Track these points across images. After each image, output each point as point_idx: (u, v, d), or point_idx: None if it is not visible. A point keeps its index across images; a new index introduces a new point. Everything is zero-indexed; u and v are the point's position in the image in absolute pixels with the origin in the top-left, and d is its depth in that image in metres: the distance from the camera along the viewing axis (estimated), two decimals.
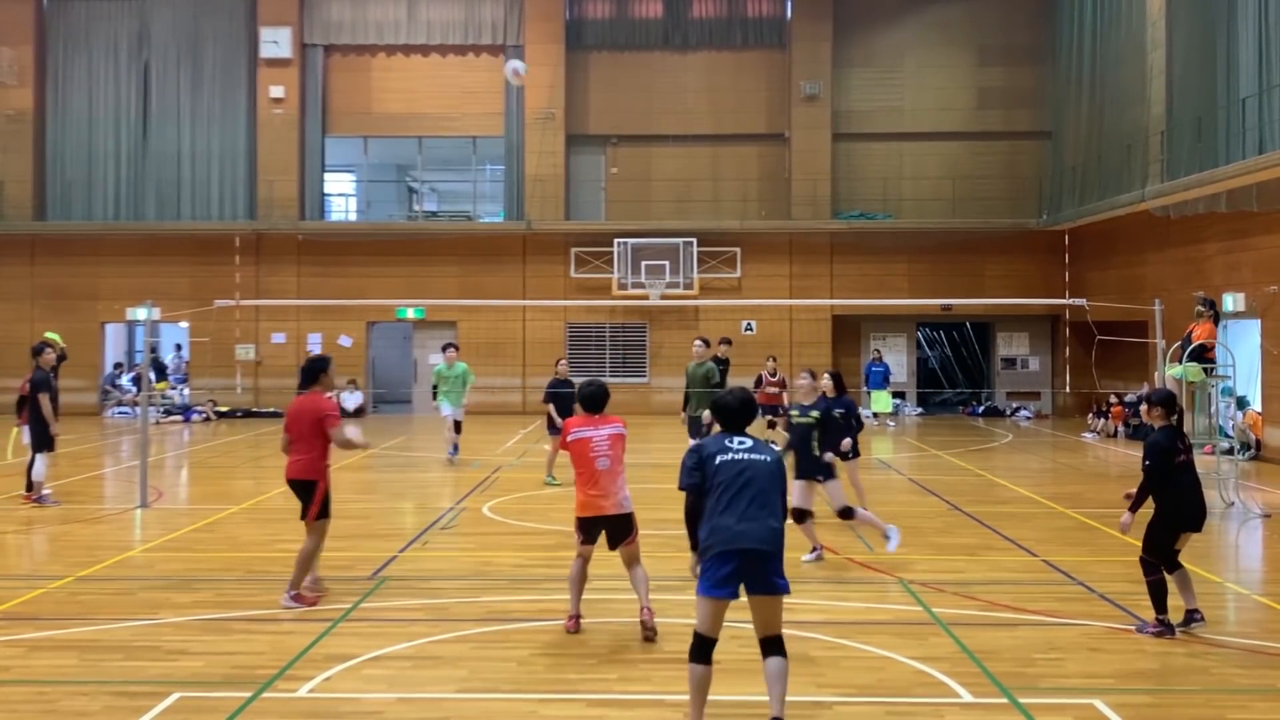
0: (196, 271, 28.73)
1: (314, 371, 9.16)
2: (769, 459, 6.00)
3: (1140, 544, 8.17)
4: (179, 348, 30.75)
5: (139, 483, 13.90)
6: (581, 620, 8.11)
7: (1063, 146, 27.84)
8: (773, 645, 5.87)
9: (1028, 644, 7.75)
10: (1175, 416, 8.19)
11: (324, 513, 8.99)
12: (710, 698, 6.61)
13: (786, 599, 5.92)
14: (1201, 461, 16.72)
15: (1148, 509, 8.12)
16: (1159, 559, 7.98)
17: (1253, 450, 18.68)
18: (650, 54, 30.02)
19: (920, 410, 29.58)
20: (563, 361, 17.10)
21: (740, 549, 5.74)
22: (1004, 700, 6.60)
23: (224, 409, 27.92)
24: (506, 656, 7.42)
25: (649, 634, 7.87)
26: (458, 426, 17.84)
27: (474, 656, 7.44)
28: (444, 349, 17.97)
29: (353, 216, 33.01)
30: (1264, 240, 19.15)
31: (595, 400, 8.27)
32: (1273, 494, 14.89)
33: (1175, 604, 8.04)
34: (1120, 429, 23.02)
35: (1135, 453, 20.09)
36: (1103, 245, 25.89)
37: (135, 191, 29.62)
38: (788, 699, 6.02)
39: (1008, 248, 28.66)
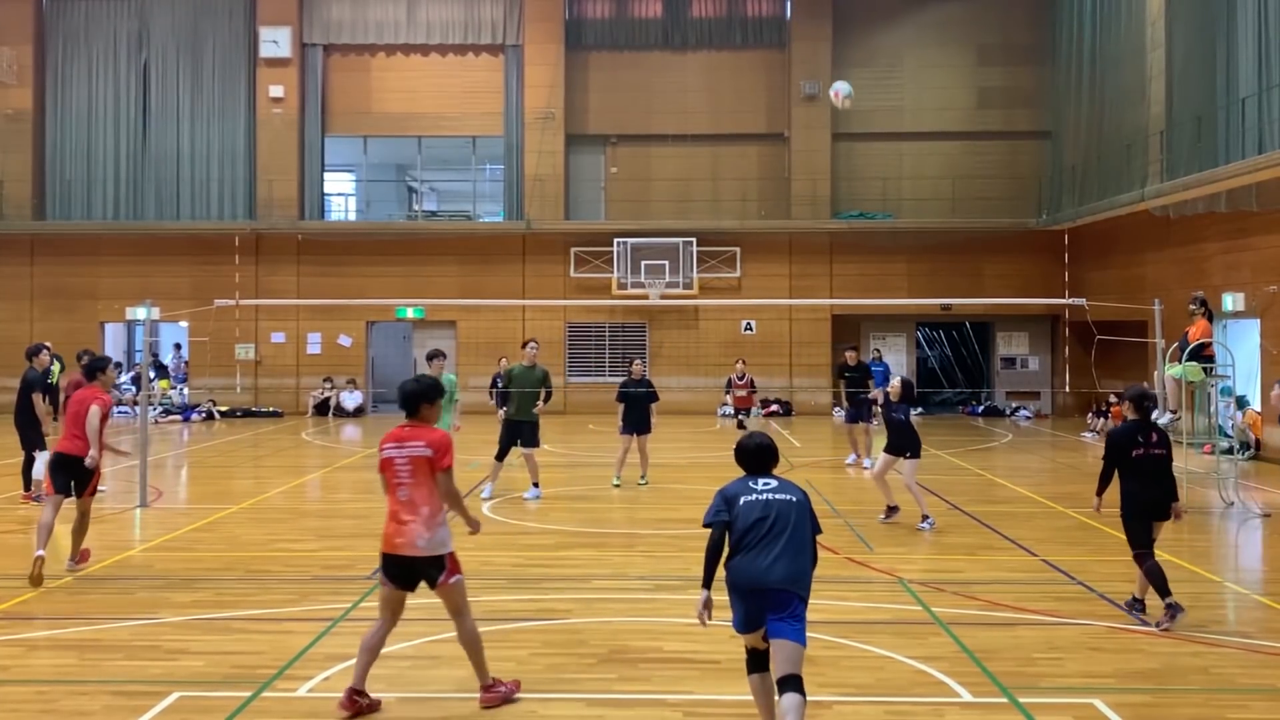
0: (196, 271, 28.73)
1: (92, 370, 10.44)
2: (795, 499, 5.78)
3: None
4: (178, 347, 30.75)
5: (139, 482, 13.89)
6: (363, 701, 6.31)
7: (1062, 146, 27.84)
8: (791, 683, 5.48)
9: (1028, 644, 7.75)
10: (1145, 413, 8.56)
11: (92, 490, 10.30)
12: (710, 697, 6.62)
13: None
14: (1201, 461, 16.77)
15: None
16: (1139, 545, 8.35)
17: (1252, 450, 18.68)
18: (650, 54, 30.02)
19: (920, 410, 29.54)
20: (637, 362, 16.52)
21: (763, 588, 5.56)
22: (1004, 700, 6.60)
23: (224, 409, 27.92)
24: (506, 656, 7.42)
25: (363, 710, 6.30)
26: None
27: None
28: (430, 358, 14.56)
29: (352, 216, 33.02)
30: (1263, 240, 19.15)
31: (406, 400, 6.61)
32: (1273, 494, 14.89)
33: (1161, 599, 8.03)
34: None
35: None
36: (1102, 245, 25.89)
37: (135, 191, 29.62)
38: None
39: (1007, 247, 28.66)
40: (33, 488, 13.84)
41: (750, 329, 29.08)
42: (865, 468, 16.90)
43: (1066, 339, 27.75)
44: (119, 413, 28.20)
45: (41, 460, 13.82)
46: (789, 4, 29.81)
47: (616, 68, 29.99)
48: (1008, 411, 28.88)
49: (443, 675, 7.09)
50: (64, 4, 29.85)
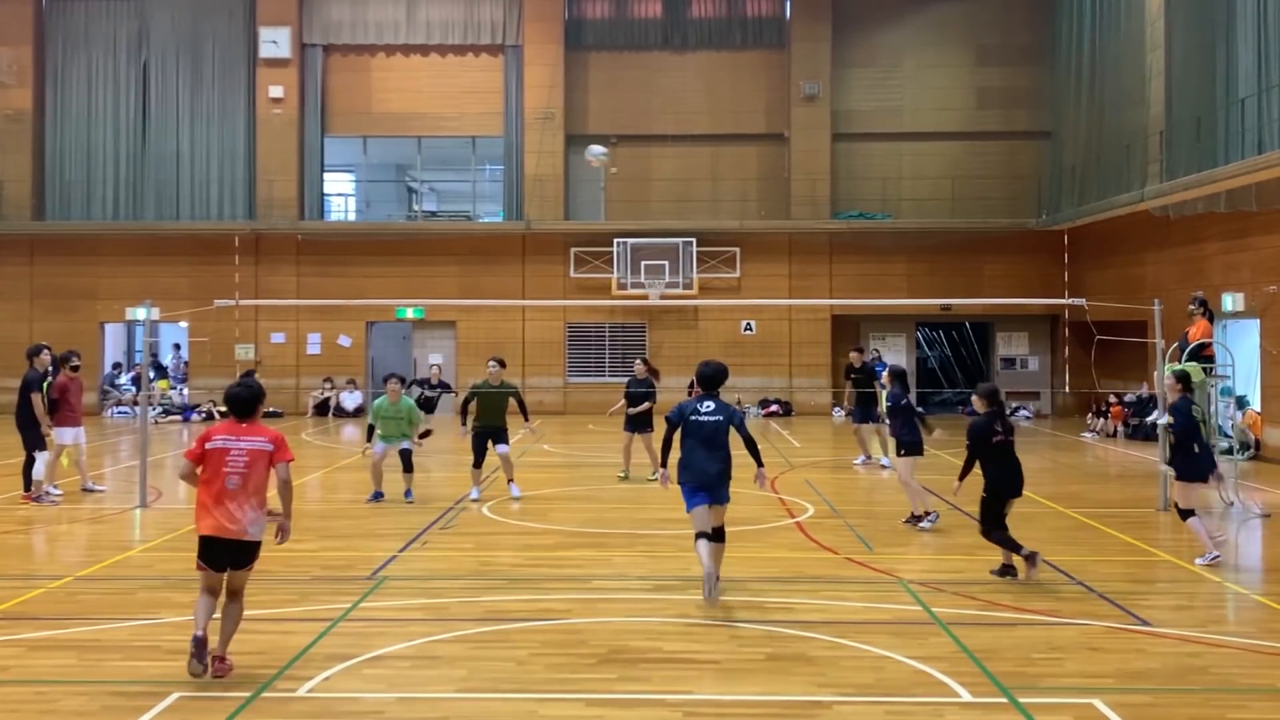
0: (196, 271, 28.73)
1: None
2: (721, 418, 8.85)
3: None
4: (177, 347, 30.75)
5: (139, 482, 13.89)
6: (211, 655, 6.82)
7: (1062, 146, 27.84)
8: (718, 534, 9.00)
9: (1028, 644, 7.75)
10: (997, 406, 9.84)
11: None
12: (710, 698, 6.63)
13: (786, 598, 7.77)
14: None
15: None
16: (989, 523, 9.59)
17: (1252, 450, 18.68)
18: (649, 54, 30.02)
19: (920, 410, 29.53)
20: (639, 361, 16.87)
21: (705, 477, 8.83)
22: (1004, 700, 6.60)
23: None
24: (506, 656, 7.42)
25: (202, 670, 6.77)
26: (408, 462, 14.24)
27: (474, 656, 7.43)
28: (386, 380, 14.30)
29: (352, 216, 33.03)
30: (1263, 240, 19.16)
31: (241, 406, 7.25)
32: (1273, 494, 14.89)
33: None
34: (1120, 429, 23.01)
35: (1135, 453, 20.15)
36: (1102, 245, 25.90)
37: (135, 191, 29.63)
38: (786, 697, 6.37)
39: (1007, 248, 28.67)
40: (33, 488, 13.86)
41: (750, 329, 29.08)
42: (883, 466, 17.13)
43: (1066, 339, 27.76)
44: (119, 413, 28.22)
45: (42, 460, 13.85)
46: (789, 4, 29.81)
47: (616, 68, 30.00)
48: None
49: (443, 675, 7.09)
50: (64, 4, 29.85)
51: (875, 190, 29.53)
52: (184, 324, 29.06)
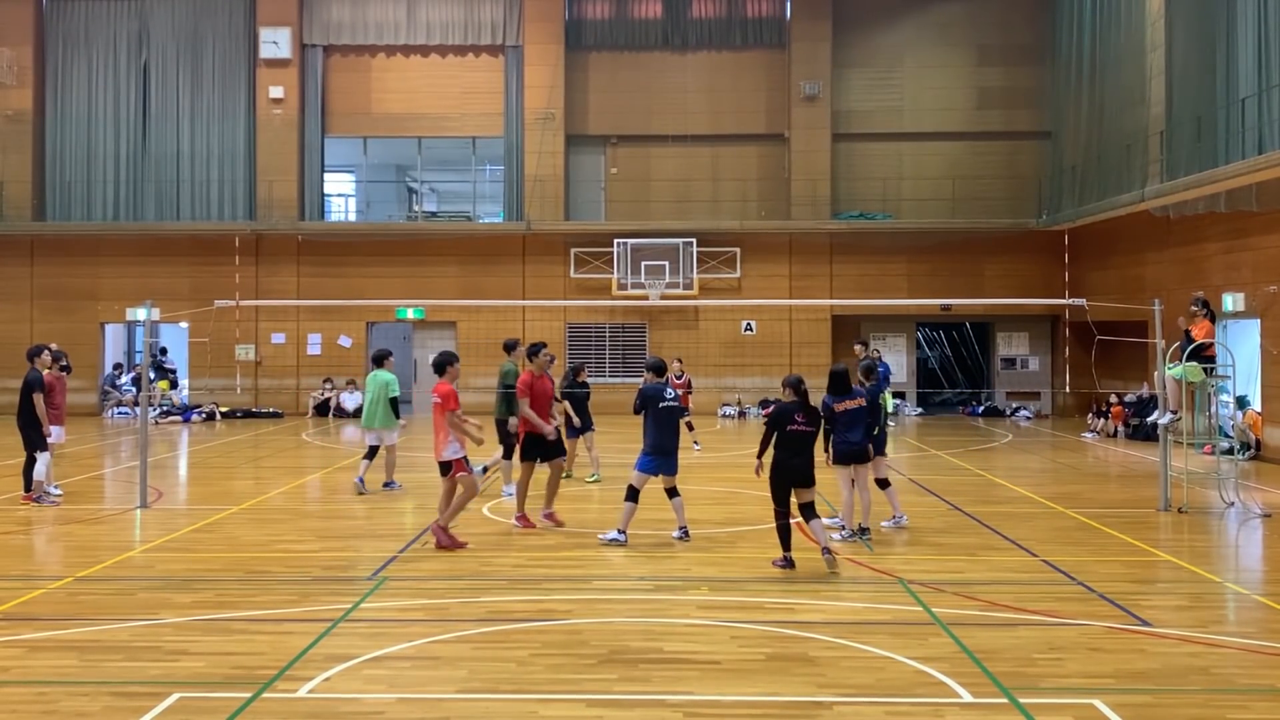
0: (196, 272, 28.73)
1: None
2: (677, 403, 11.30)
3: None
4: (164, 351, 30.53)
5: (139, 483, 13.89)
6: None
7: (1062, 146, 27.84)
8: (673, 493, 11.39)
9: (1028, 644, 7.75)
10: (801, 396, 10.27)
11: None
12: (710, 698, 6.64)
13: (786, 599, 8.06)
14: (1201, 461, 16.78)
15: None
16: (778, 502, 10.07)
17: (1253, 450, 18.68)
18: (650, 54, 30.02)
19: (920, 410, 29.57)
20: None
21: (666, 452, 11.12)
22: (1004, 700, 6.60)
23: (224, 409, 27.91)
24: (506, 657, 7.42)
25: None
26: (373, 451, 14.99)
27: (474, 657, 7.44)
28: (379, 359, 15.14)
29: (352, 217, 33.03)
30: (1263, 240, 19.16)
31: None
32: (1273, 494, 14.89)
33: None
34: (1120, 429, 23.01)
35: (1135, 453, 20.15)
36: (1102, 245, 25.90)
37: (135, 192, 29.63)
38: (786, 698, 6.43)
39: (1007, 248, 28.66)
40: (33, 489, 13.85)
41: (750, 329, 29.07)
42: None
43: (1066, 339, 27.75)
44: (119, 413, 28.21)
45: (42, 461, 13.85)
46: (789, 4, 29.81)
47: (616, 68, 30.00)
48: (1008, 412, 28.87)
49: (443, 675, 7.09)
50: (64, 5, 29.85)
51: (875, 190, 29.53)
52: (184, 324, 29.07)
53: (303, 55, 29.73)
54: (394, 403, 14.91)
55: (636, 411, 11.22)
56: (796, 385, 10.44)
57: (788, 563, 10.08)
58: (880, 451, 12.16)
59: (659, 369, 11.53)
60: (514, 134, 29.64)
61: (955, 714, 6.43)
